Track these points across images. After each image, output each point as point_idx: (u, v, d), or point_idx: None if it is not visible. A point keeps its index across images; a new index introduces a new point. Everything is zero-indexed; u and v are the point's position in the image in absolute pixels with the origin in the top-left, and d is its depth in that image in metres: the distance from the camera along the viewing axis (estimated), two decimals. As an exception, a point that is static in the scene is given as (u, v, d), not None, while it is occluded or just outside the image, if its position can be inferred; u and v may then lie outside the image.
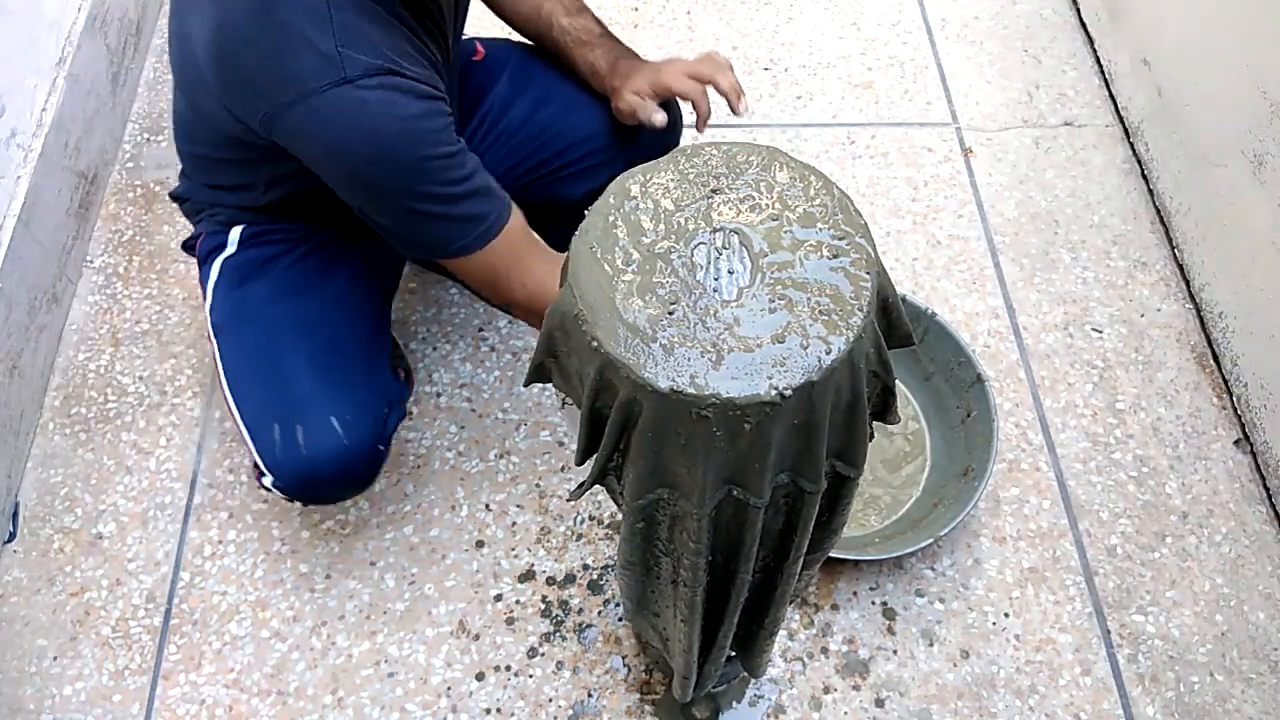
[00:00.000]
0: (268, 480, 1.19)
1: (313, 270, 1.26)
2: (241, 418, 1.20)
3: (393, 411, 1.27)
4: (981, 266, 1.75)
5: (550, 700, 1.32)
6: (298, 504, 1.47)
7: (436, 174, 1.00)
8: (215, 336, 1.25)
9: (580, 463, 0.77)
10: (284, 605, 1.39)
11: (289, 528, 1.45)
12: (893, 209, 1.82)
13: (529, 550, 1.44)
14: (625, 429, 0.70)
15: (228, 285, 1.26)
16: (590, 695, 1.33)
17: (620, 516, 0.80)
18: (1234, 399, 1.58)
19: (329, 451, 1.16)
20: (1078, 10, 2.12)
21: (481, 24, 1.43)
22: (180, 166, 1.29)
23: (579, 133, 1.32)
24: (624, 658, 1.35)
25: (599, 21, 1.25)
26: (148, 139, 1.88)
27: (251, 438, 1.19)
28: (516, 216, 1.10)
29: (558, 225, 1.51)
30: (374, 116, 0.95)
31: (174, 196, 1.33)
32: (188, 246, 1.35)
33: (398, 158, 0.97)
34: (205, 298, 1.28)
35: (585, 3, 1.26)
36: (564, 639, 1.37)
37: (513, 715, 1.31)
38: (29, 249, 1.55)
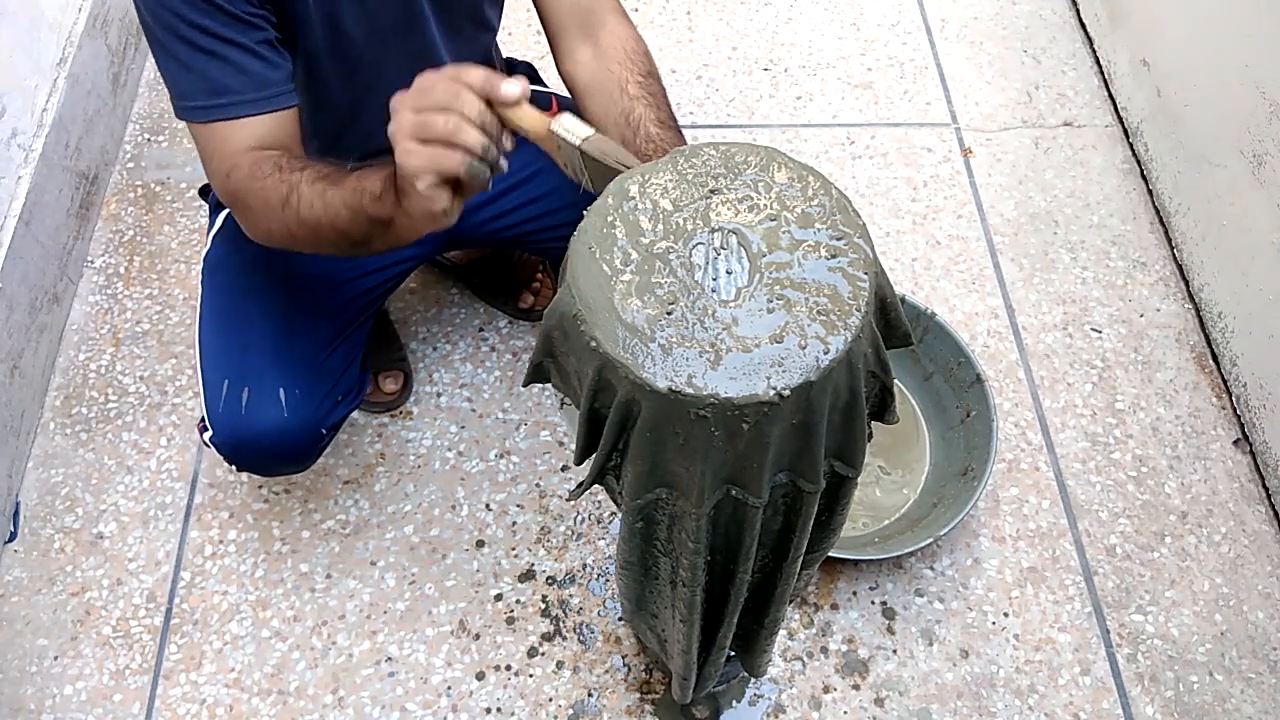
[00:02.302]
0: (208, 435, 1.20)
1: None
2: (201, 365, 1.21)
3: (344, 402, 1.27)
4: (981, 267, 1.75)
5: (550, 700, 1.33)
6: (295, 502, 1.47)
7: (173, 4, 0.96)
8: (202, 283, 1.27)
9: (579, 462, 0.77)
10: (285, 605, 1.39)
11: (289, 527, 1.46)
12: (892, 209, 1.82)
13: (529, 550, 1.44)
14: (624, 429, 0.70)
15: (227, 236, 1.28)
16: (590, 695, 1.33)
17: (620, 516, 0.80)
18: (1233, 399, 1.59)
19: (267, 423, 1.16)
20: (1077, 11, 2.12)
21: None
22: None
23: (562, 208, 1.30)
24: (624, 657, 1.36)
25: (680, 137, 1.16)
26: (148, 139, 1.89)
27: (204, 388, 1.20)
28: (268, 123, 1.03)
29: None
30: None
31: None
32: (203, 192, 1.37)
33: None
34: (206, 244, 1.30)
35: (674, 119, 1.16)
36: (564, 638, 1.37)
37: (513, 715, 1.32)
38: (30, 249, 1.55)
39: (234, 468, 1.23)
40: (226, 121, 1.02)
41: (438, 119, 0.78)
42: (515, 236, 1.40)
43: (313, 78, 1.13)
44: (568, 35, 1.14)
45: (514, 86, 0.79)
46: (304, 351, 1.22)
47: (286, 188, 0.99)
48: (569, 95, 1.17)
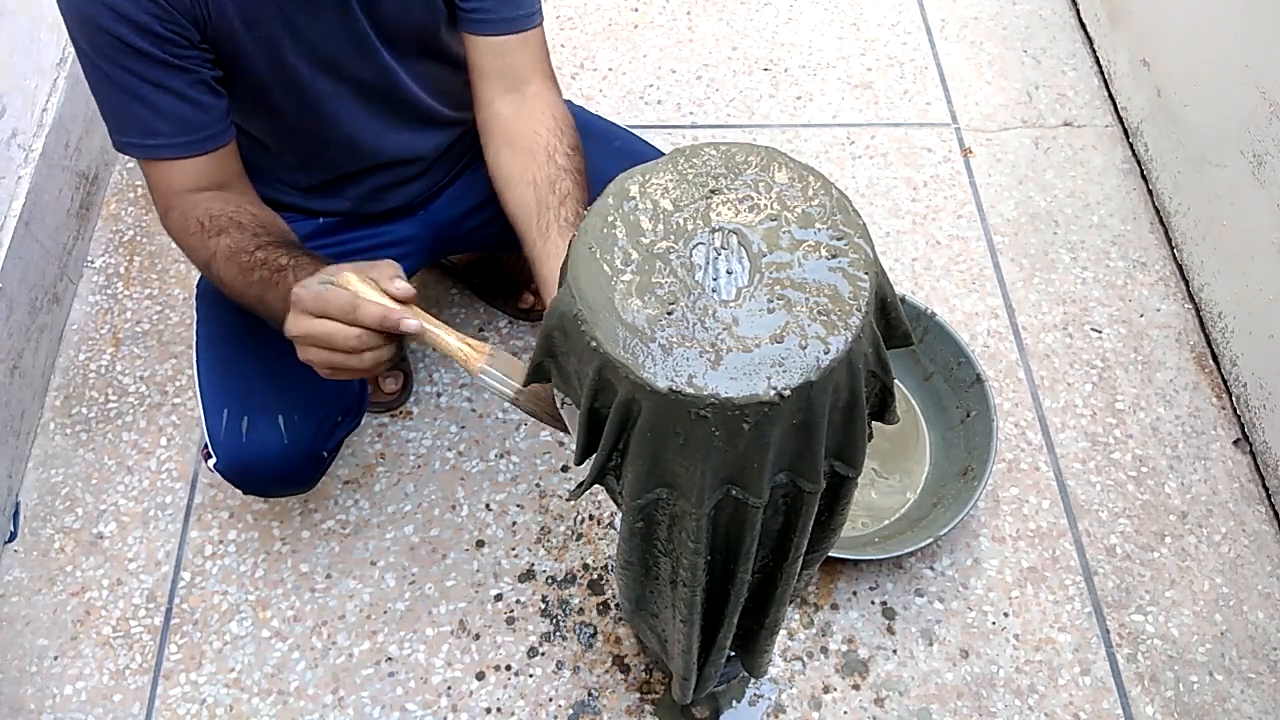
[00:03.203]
0: (212, 462, 1.20)
1: None
2: (200, 394, 1.21)
3: (345, 421, 1.26)
4: (981, 267, 1.75)
5: (550, 700, 1.33)
6: (295, 502, 1.47)
7: (101, 43, 0.96)
8: (197, 308, 1.26)
9: (579, 462, 0.77)
10: (284, 605, 1.39)
11: (289, 527, 1.46)
12: (892, 209, 1.82)
13: (529, 550, 1.44)
14: (624, 429, 0.70)
15: None
16: (590, 695, 1.33)
17: (620, 516, 0.80)
18: (1233, 399, 1.59)
19: (268, 449, 1.16)
20: (1077, 11, 2.12)
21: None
22: None
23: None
24: (624, 657, 1.36)
25: None
26: (148, 139, 1.88)
27: (204, 416, 1.20)
28: (201, 165, 1.04)
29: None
30: None
31: None
32: None
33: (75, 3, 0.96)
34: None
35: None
36: (564, 638, 1.37)
37: (513, 715, 1.32)
38: (30, 249, 1.55)
39: (239, 491, 1.24)
40: (160, 161, 1.04)
41: (351, 360, 0.86)
42: (508, 240, 1.40)
43: (265, 108, 1.11)
44: (491, 84, 1.14)
45: (411, 322, 0.86)
46: (301, 376, 1.20)
47: (206, 254, 1.02)
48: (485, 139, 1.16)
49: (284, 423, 1.17)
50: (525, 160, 1.09)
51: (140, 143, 1.03)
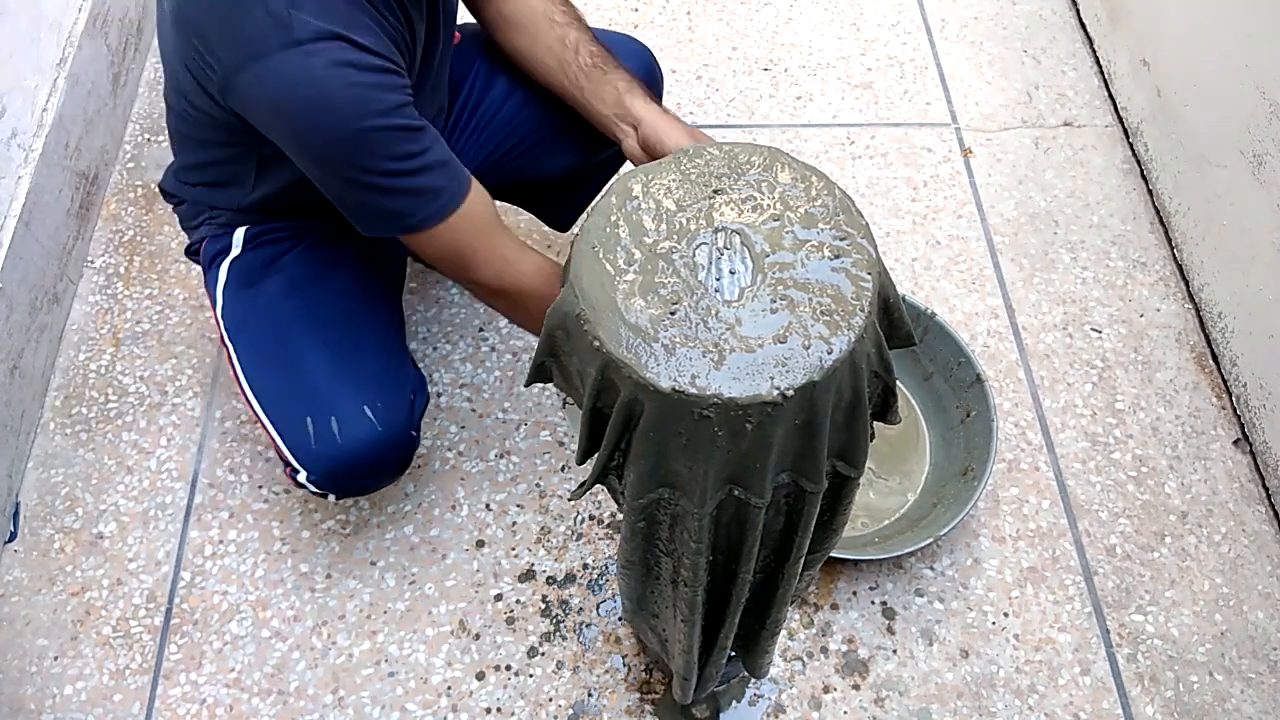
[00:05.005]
0: (302, 476, 1.19)
1: (320, 262, 1.27)
2: (269, 418, 1.20)
3: (417, 397, 1.28)
4: (981, 267, 1.75)
5: (550, 700, 1.33)
6: (295, 502, 1.47)
7: (384, 146, 0.98)
8: (230, 340, 1.24)
9: (581, 462, 0.77)
10: (284, 605, 1.39)
11: (289, 527, 1.46)
12: (892, 209, 1.82)
13: (529, 550, 1.44)
14: (626, 429, 0.70)
15: (237, 286, 1.26)
16: (590, 695, 1.33)
17: (621, 516, 0.80)
18: (1233, 399, 1.59)
19: (365, 440, 1.17)
20: (1077, 11, 2.12)
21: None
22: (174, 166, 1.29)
23: (553, 108, 1.33)
24: (624, 657, 1.36)
25: (610, 52, 1.24)
26: (148, 139, 1.88)
27: (281, 436, 1.19)
28: (479, 195, 1.08)
29: (550, 198, 1.52)
30: (319, 83, 0.93)
31: (165, 194, 1.32)
32: (190, 252, 1.34)
33: (341, 126, 0.95)
34: (215, 302, 1.27)
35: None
36: (564, 638, 1.37)
37: (513, 715, 1.32)
38: (30, 249, 1.55)
39: (332, 497, 1.24)
40: (460, 209, 1.05)
41: None
42: (522, 153, 1.39)
43: None
44: None
45: None
46: (364, 362, 1.22)
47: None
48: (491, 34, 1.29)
49: (371, 411, 1.18)
50: (531, 34, 1.22)
51: (440, 205, 1.05)
